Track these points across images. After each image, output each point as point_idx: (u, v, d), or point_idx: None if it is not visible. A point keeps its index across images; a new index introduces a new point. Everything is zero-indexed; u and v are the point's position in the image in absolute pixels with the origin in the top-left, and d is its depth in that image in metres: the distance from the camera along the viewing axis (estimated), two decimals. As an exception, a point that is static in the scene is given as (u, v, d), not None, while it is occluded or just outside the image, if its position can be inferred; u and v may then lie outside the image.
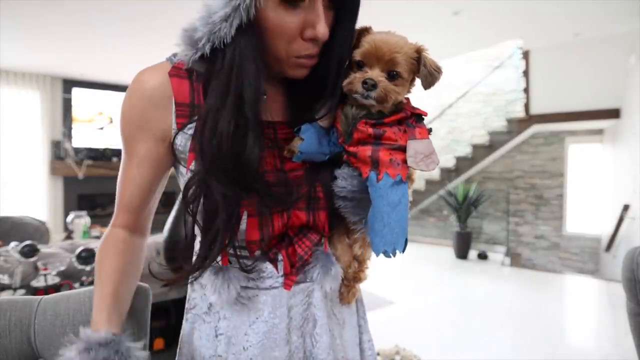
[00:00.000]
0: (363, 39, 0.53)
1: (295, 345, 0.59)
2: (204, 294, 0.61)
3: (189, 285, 0.65)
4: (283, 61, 0.54)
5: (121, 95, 6.11)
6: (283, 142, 0.58)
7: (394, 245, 0.49)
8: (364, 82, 0.50)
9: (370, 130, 0.51)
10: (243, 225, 0.54)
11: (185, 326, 0.65)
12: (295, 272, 0.59)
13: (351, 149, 0.53)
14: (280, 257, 0.58)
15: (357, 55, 0.53)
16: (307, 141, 0.54)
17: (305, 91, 0.59)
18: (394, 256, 0.49)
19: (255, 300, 0.59)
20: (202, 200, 0.52)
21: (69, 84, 5.57)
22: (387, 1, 3.25)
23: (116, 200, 0.64)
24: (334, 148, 0.55)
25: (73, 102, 5.54)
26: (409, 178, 0.53)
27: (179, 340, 0.67)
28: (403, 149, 0.51)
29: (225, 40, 0.49)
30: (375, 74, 0.51)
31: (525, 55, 5.15)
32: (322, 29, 0.50)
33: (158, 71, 0.56)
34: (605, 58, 4.49)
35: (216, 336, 0.60)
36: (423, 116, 0.54)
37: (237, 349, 0.58)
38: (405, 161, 0.51)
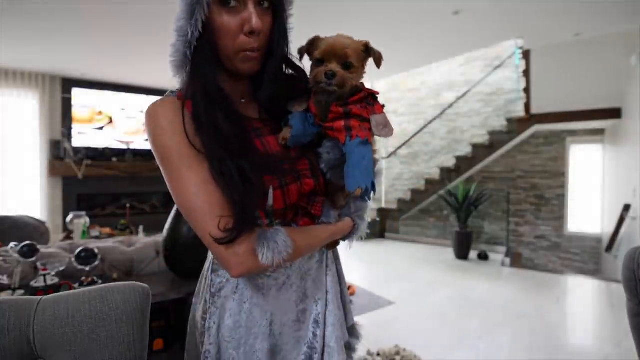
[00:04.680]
0: (318, 43, 0.68)
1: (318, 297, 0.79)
2: (229, 277, 0.72)
3: (211, 274, 0.74)
4: (233, 57, 0.67)
5: (121, 96, 6.14)
6: (269, 132, 0.72)
7: (365, 184, 0.65)
8: (326, 74, 0.65)
9: (341, 109, 0.67)
10: (271, 199, 0.65)
11: (215, 310, 0.72)
12: None
13: (328, 124, 0.68)
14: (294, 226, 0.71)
15: (317, 54, 0.67)
16: (295, 127, 0.69)
17: (269, 90, 0.73)
18: (368, 197, 0.68)
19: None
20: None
21: (68, 84, 5.57)
22: (388, 1, 3.25)
23: (207, 219, 0.62)
24: (313, 129, 0.70)
25: (73, 102, 5.54)
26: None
27: (205, 325, 0.73)
28: (368, 120, 0.67)
29: (193, 44, 0.64)
30: (333, 66, 0.65)
31: (526, 55, 5.15)
32: (255, 22, 0.64)
33: (167, 100, 0.68)
34: (606, 58, 4.48)
35: (244, 302, 0.71)
36: (376, 95, 0.70)
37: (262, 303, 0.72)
38: (370, 129, 0.67)
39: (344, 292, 0.87)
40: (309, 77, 0.71)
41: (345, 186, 0.65)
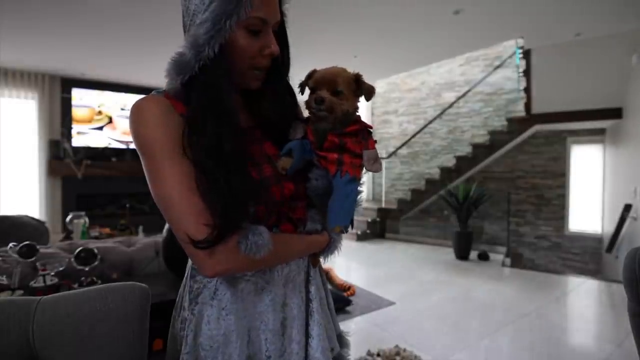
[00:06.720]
0: (313, 74, 0.73)
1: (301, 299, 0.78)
2: (208, 281, 0.71)
3: (190, 280, 0.73)
4: (245, 74, 0.71)
5: (121, 95, 6.13)
6: (257, 142, 0.75)
7: (344, 222, 0.72)
8: (315, 99, 0.70)
9: (336, 140, 0.71)
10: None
11: (192, 318, 0.70)
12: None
13: (322, 153, 0.72)
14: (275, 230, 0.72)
15: (311, 83, 0.73)
16: (295, 157, 0.72)
17: (264, 103, 0.76)
18: (345, 231, 0.74)
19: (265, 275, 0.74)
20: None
21: (68, 84, 5.57)
22: (388, 1, 3.24)
23: (187, 219, 0.61)
24: (308, 155, 0.74)
25: (72, 102, 5.54)
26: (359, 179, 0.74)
27: (184, 332, 0.71)
28: (359, 156, 0.71)
29: (206, 61, 0.63)
30: (323, 92, 0.70)
31: (526, 54, 5.14)
32: (275, 47, 0.70)
33: (154, 97, 0.68)
34: (606, 57, 4.48)
35: (222, 309, 0.70)
36: (370, 130, 0.74)
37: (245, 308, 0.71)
38: (360, 165, 0.72)
39: (329, 301, 0.86)
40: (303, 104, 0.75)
41: (327, 222, 0.73)
